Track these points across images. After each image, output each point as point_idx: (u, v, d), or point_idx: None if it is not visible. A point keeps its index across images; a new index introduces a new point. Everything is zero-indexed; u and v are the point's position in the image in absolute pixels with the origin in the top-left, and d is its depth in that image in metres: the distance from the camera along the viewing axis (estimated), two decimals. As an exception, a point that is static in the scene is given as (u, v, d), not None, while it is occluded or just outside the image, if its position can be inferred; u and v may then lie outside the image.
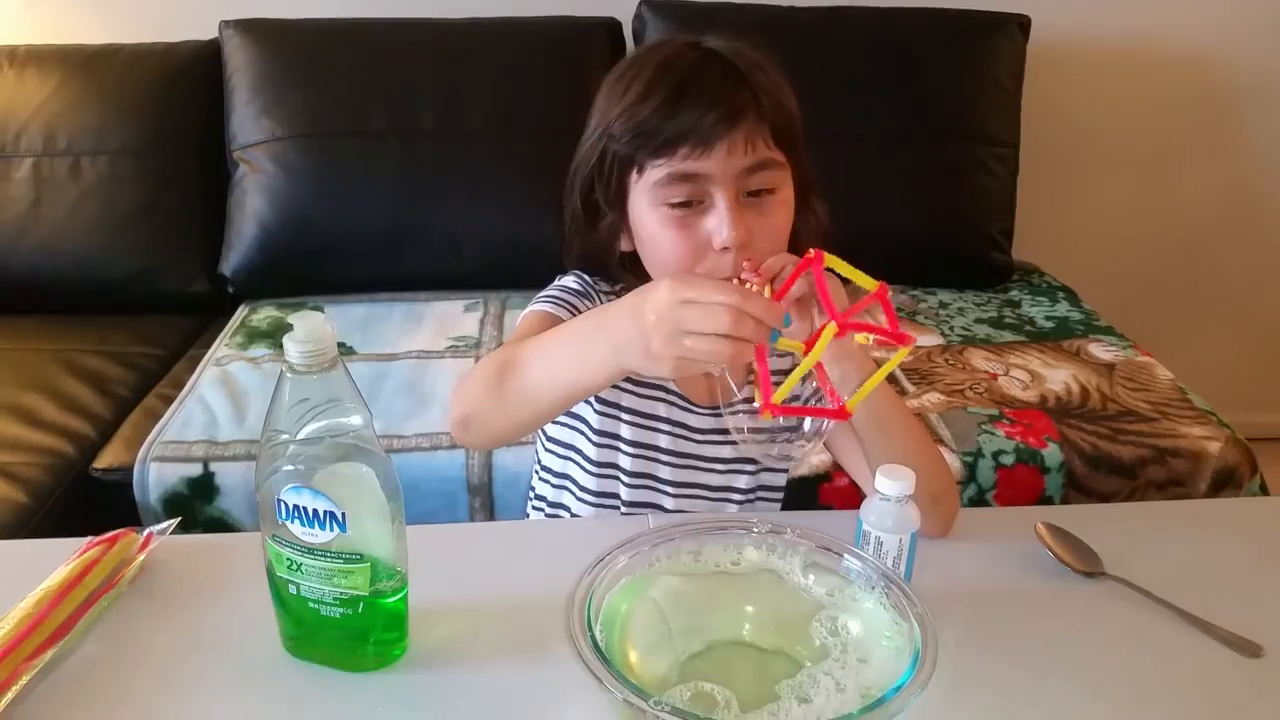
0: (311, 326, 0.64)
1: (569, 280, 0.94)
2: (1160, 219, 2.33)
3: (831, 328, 0.62)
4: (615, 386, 0.93)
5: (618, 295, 0.94)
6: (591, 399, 0.93)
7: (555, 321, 0.87)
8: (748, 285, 0.78)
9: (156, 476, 1.36)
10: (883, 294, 0.65)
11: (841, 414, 0.64)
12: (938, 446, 1.13)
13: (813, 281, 0.75)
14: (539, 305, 0.90)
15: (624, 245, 0.88)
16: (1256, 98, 2.23)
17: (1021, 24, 2.00)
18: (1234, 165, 2.30)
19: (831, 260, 0.67)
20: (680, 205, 0.80)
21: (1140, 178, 2.30)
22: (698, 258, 0.81)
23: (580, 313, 0.89)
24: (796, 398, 0.90)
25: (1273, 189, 2.32)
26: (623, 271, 0.90)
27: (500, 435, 0.82)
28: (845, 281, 0.77)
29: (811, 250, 0.67)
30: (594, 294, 0.92)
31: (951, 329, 1.81)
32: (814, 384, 0.76)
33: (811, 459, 1.40)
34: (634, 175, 0.83)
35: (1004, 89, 1.99)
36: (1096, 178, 2.29)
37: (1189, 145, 2.27)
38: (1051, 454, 1.41)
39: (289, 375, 0.65)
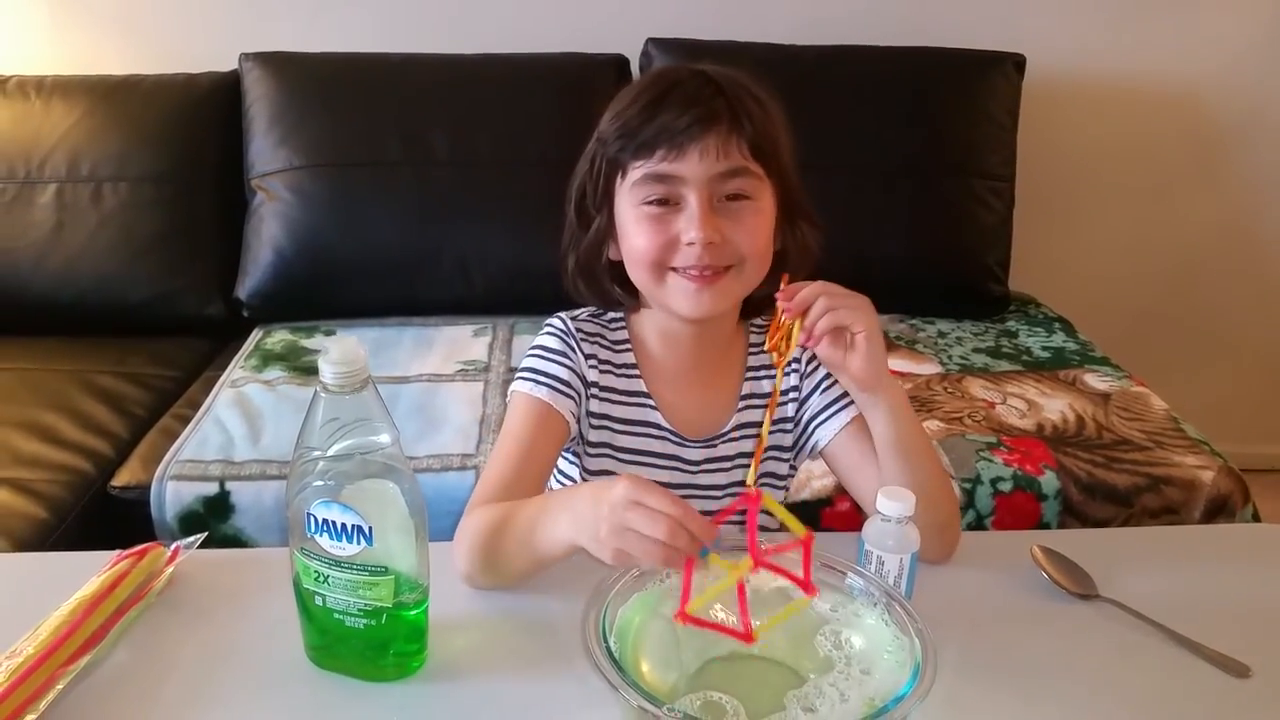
0: (345, 349, 0.68)
1: (548, 337, 0.95)
2: (1154, 252, 2.38)
3: (746, 562, 0.65)
4: (607, 428, 0.96)
5: (603, 336, 0.97)
6: (583, 440, 0.96)
7: (540, 411, 0.91)
8: (781, 318, 0.83)
9: (173, 495, 1.39)
10: (808, 543, 0.66)
11: (747, 638, 0.64)
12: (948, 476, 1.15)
13: (836, 322, 0.82)
14: (522, 386, 0.92)
15: (611, 254, 0.92)
16: (1247, 133, 2.28)
17: (1017, 63, 2.05)
18: (1226, 200, 2.35)
19: (768, 503, 0.69)
20: (657, 203, 0.86)
21: (1134, 212, 2.34)
22: (669, 251, 0.86)
23: (561, 382, 0.92)
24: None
25: (1265, 223, 2.37)
26: (610, 283, 0.94)
27: (500, 586, 0.85)
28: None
29: (752, 489, 0.69)
30: (575, 347, 0.94)
31: (950, 358, 1.84)
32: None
33: (814, 483, 1.43)
34: (619, 179, 0.88)
35: (1000, 125, 2.04)
36: (1091, 211, 2.34)
37: (1182, 180, 2.32)
38: (1048, 481, 1.44)
39: (322, 394, 0.69)
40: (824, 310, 0.82)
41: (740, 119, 0.84)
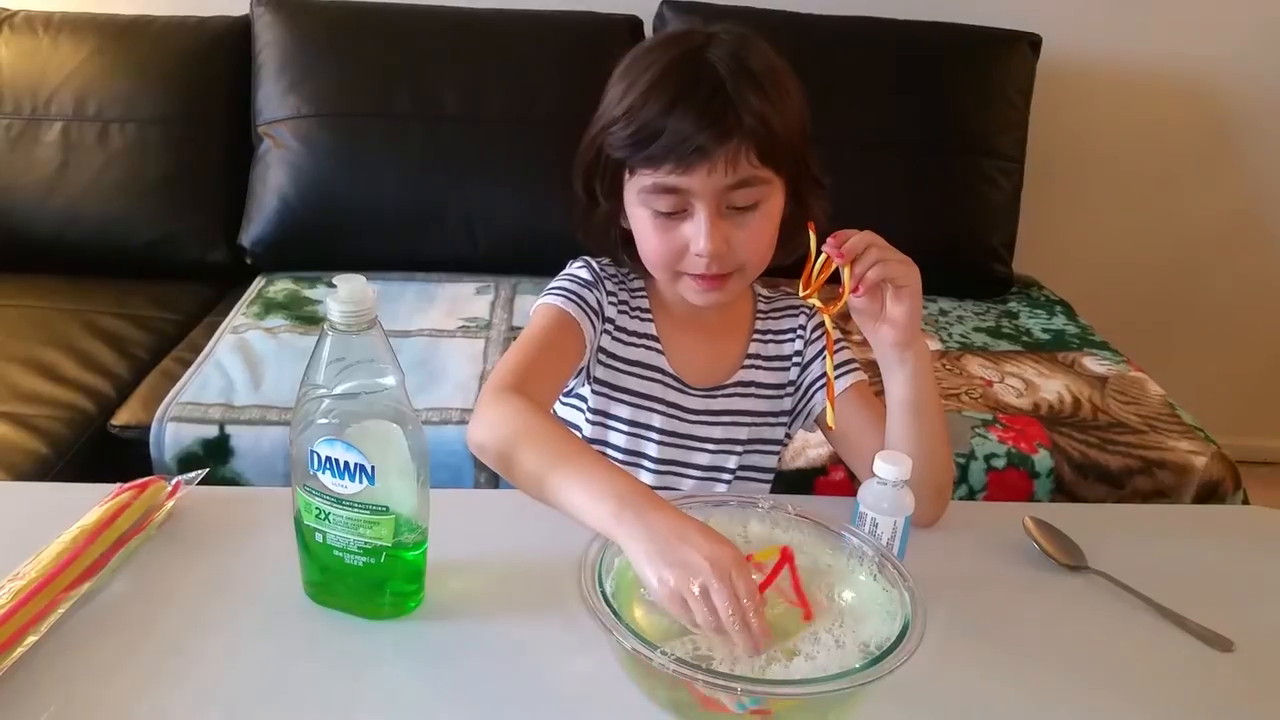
0: (354, 288, 0.68)
1: (579, 268, 0.97)
2: (1159, 239, 2.38)
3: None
4: (613, 368, 0.97)
5: (622, 279, 0.98)
6: (589, 380, 0.97)
7: (565, 320, 0.91)
8: (833, 265, 0.83)
9: (173, 436, 1.40)
10: (788, 557, 0.69)
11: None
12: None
13: (886, 275, 0.82)
14: (550, 299, 0.93)
15: (623, 222, 0.93)
16: (1258, 125, 2.27)
17: (1033, 43, 2.04)
18: (1234, 190, 2.35)
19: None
20: (665, 213, 0.86)
21: (1141, 198, 2.34)
22: (678, 257, 0.87)
23: (588, 306, 0.93)
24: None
25: (1271, 215, 2.36)
26: (620, 250, 0.95)
27: (500, 474, 0.83)
28: (846, 274, 0.83)
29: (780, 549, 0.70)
30: (601, 280, 0.96)
31: (950, 335, 1.85)
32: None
33: (809, 452, 1.44)
34: (627, 174, 0.88)
35: (1013, 105, 2.03)
36: (1098, 196, 2.33)
37: (1190, 169, 2.32)
38: (1042, 459, 1.45)
39: (329, 333, 0.69)
40: (875, 260, 0.82)
41: (748, 129, 0.81)
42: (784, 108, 0.84)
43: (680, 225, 0.86)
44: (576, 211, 0.95)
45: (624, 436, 0.98)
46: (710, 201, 0.84)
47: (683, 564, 0.63)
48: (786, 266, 0.93)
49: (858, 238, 0.83)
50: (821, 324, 0.99)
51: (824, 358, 0.98)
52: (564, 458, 0.75)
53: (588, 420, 0.98)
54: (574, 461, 0.74)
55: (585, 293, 0.94)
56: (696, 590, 0.62)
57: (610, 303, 0.96)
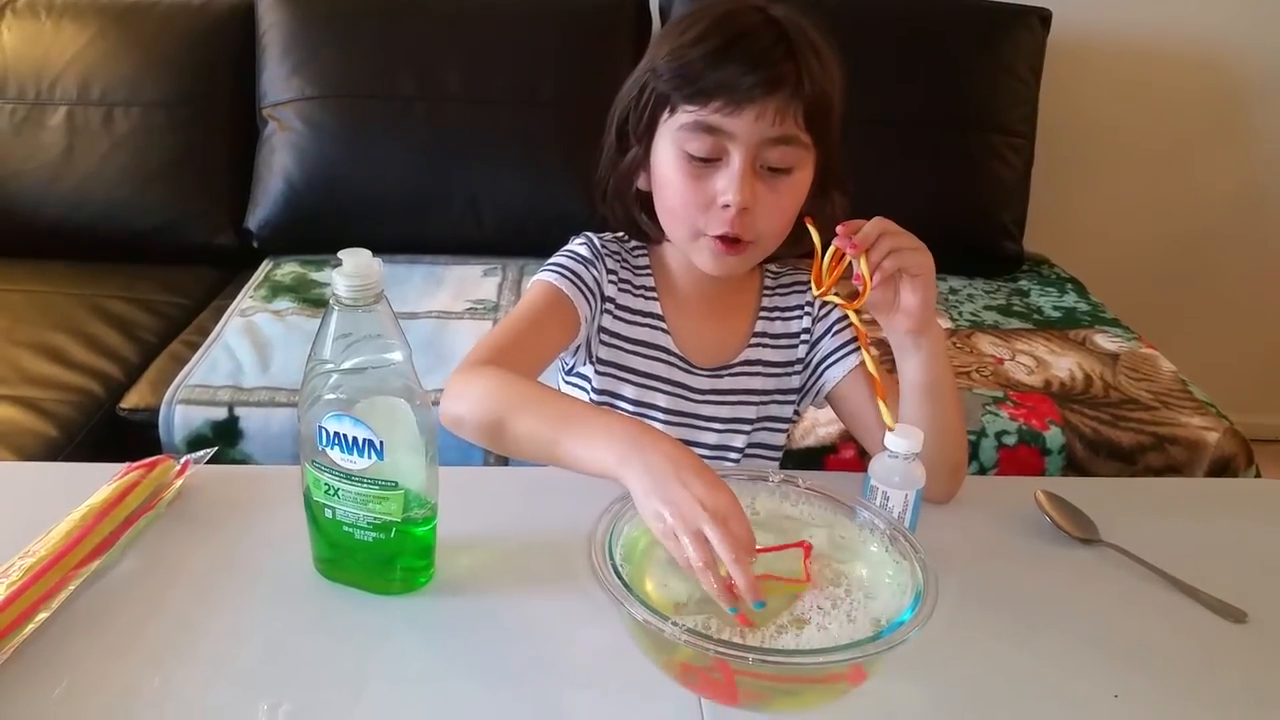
0: (360, 263, 0.68)
1: (579, 245, 0.96)
2: (1171, 215, 2.35)
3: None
4: (618, 347, 0.96)
5: (625, 257, 0.97)
6: (593, 360, 0.96)
7: (556, 298, 0.90)
8: (844, 258, 0.81)
9: (182, 418, 1.40)
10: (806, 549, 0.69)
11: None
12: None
13: (901, 265, 0.81)
14: (545, 274, 0.93)
15: (641, 183, 0.91)
16: (1270, 97, 2.25)
17: (1042, 17, 2.02)
18: (1247, 164, 2.32)
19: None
20: (698, 159, 0.83)
21: (1153, 173, 2.32)
22: (702, 210, 0.85)
23: (584, 284, 0.92)
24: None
25: (1284, 192, 2.35)
26: (636, 209, 0.93)
27: (485, 446, 0.83)
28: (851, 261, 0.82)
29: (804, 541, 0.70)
30: (602, 258, 0.95)
31: (960, 314, 1.84)
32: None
33: (819, 430, 1.43)
34: (665, 114, 0.85)
35: (1022, 80, 2.01)
36: (1109, 172, 2.31)
37: (1202, 143, 2.29)
38: (1053, 436, 1.44)
39: (336, 307, 0.69)
40: (890, 249, 0.81)
41: (803, 84, 0.81)
42: (833, 79, 0.84)
43: (710, 176, 0.84)
44: (602, 161, 0.93)
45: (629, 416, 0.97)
46: (748, 151, 0.82)
47: (676, 502, 0.63)
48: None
49: (869, 226, 0.81)
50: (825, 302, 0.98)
51: (833, 332, 0.98)
52: (564, 416, 0.74)
53: (592, 400, 0.97)
54: (575, 418, 0.74)
55: (582, 270, 0.93)
56: (690, 532, 0.62)
57: (610, 281, 0.95)
